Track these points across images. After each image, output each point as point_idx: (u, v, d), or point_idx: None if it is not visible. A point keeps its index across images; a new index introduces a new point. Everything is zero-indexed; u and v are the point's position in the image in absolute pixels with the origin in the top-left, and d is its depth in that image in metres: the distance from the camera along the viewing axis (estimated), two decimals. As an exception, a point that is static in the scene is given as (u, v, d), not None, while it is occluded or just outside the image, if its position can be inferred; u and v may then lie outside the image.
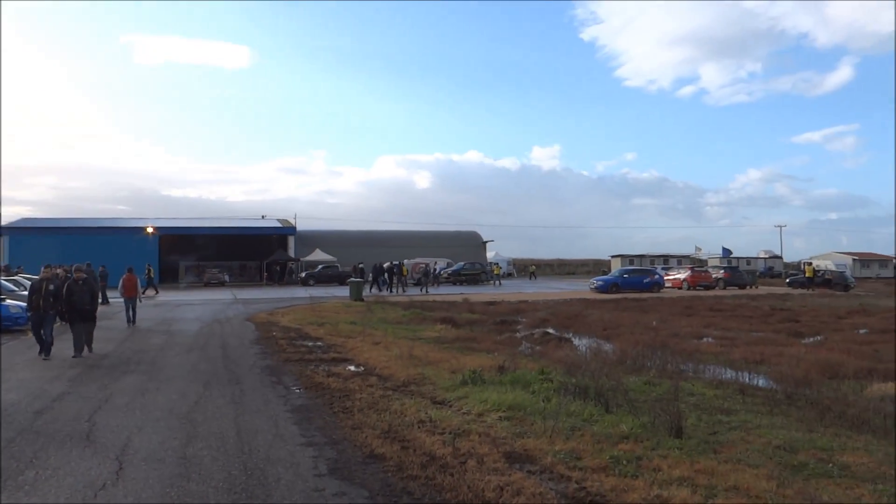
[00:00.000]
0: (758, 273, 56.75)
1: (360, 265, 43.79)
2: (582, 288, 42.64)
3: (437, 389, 9.19)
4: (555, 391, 8.63)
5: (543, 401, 8.04)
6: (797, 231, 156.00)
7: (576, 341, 16.59)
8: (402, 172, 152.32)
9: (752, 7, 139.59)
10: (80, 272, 13.62)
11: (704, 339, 16.74)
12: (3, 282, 22.99)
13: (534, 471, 5.61)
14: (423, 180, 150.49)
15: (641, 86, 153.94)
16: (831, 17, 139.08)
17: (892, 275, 66.75)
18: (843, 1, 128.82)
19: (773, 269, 70.15)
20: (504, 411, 7.63)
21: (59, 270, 14.66)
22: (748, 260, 69.51)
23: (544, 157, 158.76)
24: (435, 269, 45.64)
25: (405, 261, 45.25)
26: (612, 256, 69.39)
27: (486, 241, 70.64)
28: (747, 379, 11.17)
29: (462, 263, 52.37)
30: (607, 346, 15.10)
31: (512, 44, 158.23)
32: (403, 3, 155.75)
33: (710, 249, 75.94)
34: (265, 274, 56.07)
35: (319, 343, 14.90)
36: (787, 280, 48.11)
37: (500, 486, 5.14)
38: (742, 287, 43.68)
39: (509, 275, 61.71)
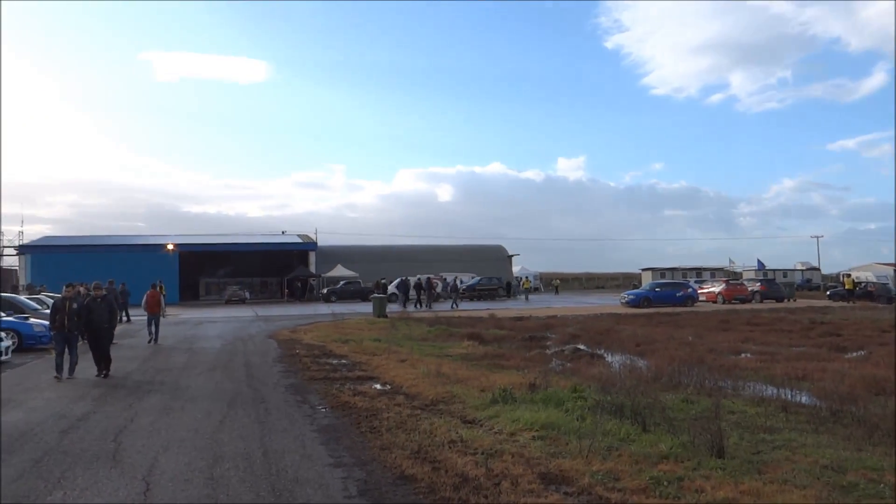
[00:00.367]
0: (795, 286, 55.95)
1: (383, 280, 44.00)
2: (612, 302, 42.33)
3: (467, 408, 9.16)
4: (589, 409, 8.55)
5: (578, 419, 7.98)
6: (834, 242, 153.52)
7: (608, 358, 16.44)
8: (424, 185, 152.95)
9: (781, 12, 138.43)
10: (99, 290, 13.86)
11: (743, 355, 16.49)
12: (26, 300, 23.44)
13: (571, 492, 5.56)
14: (444, 193, 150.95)
15: (669, 94, 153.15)
16: (863, 20, 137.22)
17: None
18: (875, 1, 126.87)
19: (811, 282, 69.18)
20: (537, 430, 7.58)
21: (80, 288, 14.97)
22: (784, 272, 68.59)
23: (570, 168, 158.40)
24: (460, 284, 45.64)
25: (418, 276, 45.36)
26: (643, 269, 68.83)
27: (512, 255, 70.58)
28: (789, 396, 10.98)
29: (479, 278, 52.21)
30: (641, 363, 14.94)
31: (534, 53, 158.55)
32: (423, 14, 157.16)
33: (743, 262, 75.21)
34: (286, 290, 56.57)
35: (344, 361, 14.94)
36: (828, 293, 47.36)
37: (536, 507, 5.10)
38: (780, 300, 43.09)
39: (536, 289, 61.54)
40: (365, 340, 18.97)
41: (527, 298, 51.68)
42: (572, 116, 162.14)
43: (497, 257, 68.41)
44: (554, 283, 70.91)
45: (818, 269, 75.82)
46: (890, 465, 6.58)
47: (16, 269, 55.11)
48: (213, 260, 59.12)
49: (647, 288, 42.01)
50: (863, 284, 45.69)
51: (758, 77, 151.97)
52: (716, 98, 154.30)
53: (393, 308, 34.48)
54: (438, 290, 43.93)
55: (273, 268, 60.75)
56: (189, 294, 56.44)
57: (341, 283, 53.34)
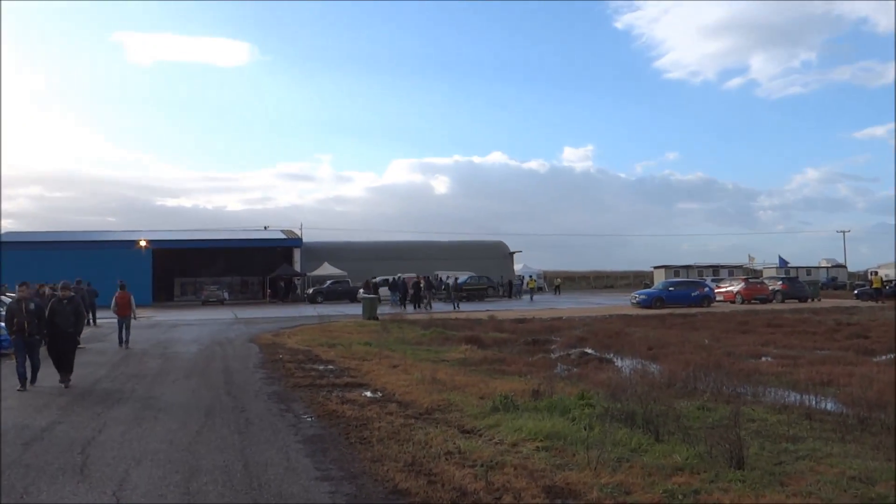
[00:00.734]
0: (820, 284, 56.16)
1: (374, 280, 43.96)
2: (622, 303, 42.45)
3: (465, 417, 9.17)
4: (597, 418, 8.54)
5: (585, 428, 7.95)
6: (862, 237, 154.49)
7: (618, 362, 16.48)
8: (418, 177, 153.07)
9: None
10: (66, 290, 13.72)
11: (763, 359, 16.56)
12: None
13: (578, 507, 5.57)
14: (441, 185, 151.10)
15: (684, 78, 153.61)
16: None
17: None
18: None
19: (836, 280, 69.44)
20: (541, 441, 7.60)
21: (45, 289, 14.92)
22: (808, 269, 68.87)
23: (576, 158, 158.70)
24: (453, 284, 45.70)
25: (409, 275, 45.40)
26: (655, 267, 69.02)
27: (514, 252, 70.65)
28: (814, 402, 11.01)
29: (466, 276, 52.08)
30: (654, 368, 14.98)
31: (538, 33, 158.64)
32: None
33: (764, 258, 75.47)
34: (268, 291, 56.56)
35: (331, 366, 14.96)
36: (855, 292, 47.53)
37: (540, 523, 5.10)
38: (803, 300, 43.25)
39: (540, 289, 61.67)
40: (354, 344, 18.98)
41: (532, 299, 51.72)
42: (579, 102, 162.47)
43: (497, 255, 68.47)
44: (555, 283, 70.72)
45: (844, 267, 76.12)
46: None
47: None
48: (189, 258, 59.07)
49: (660, 287, 42.10)
50: (892, 283, 45.84)
51: (780, 60, 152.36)
52: (735, 82, 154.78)
53: (385, 310, 34.49)
54: (452, 288, 44.05)
55: (254, 266, 60.70)
56: (163, 294, 56.40)
57: (328, 282, 53.33)
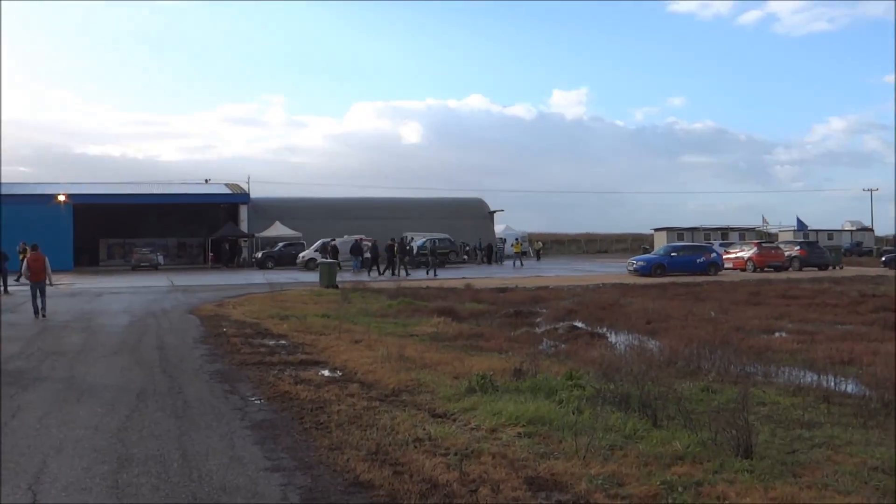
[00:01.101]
0: (843, 250, 56.92)
1: (333, 241, 43.84)
2: (617, 270, 42.78)
3: (437, 399, 9.22)
4: (588, 400, 8.66)
5: (573, 412, 8.07)
6: (892, 196, 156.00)
7: (612, 338, 16.64)
8: (386, 123, 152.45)
9: None
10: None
11: (776, 334, 16.79)
12: None
13: (564, 500, 5.64)
14: (412, 133, 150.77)
15: (693, 11, 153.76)
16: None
17: None
18: None
19: (861, 245, 70.37)
20: (523, 426, 7.66)
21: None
22: (830, 233, 69.71)
23: (568, 102, 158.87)
24: (415, 247, 45.71)
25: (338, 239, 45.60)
26: (656, 230, 69.56)
27: (494, 211, 70.78)
28: (832, 384, 11.20)
29: (423, 239, 51.70)
30: (652, 344, 15.14)
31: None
32: None
33: (780, 220, 76.25)
34: (210, 254, 56.15)
35: (283, 342, 15.00)
36: (883, 259, 48.22)
37: (521, 519, 5.17)
38: (823, 268, 43.77)
39: (524, 253, 61.94)
40: (310, 316, 18.99)
41: (521, 264, 51.68)
42: (571, 38, 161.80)
43: (476, 214, 68.55)
44: (535, 247, 69.32)
45: (871, 230, 77.12)
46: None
47: None
48: (117, 215, 58.46)
49: (661, 252, 42.38)
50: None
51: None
52: (750, 16, 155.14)
53: (346, 277, 34.46)
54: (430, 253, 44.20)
55: (194, 226, 60.32)
56: (87, 258, 55.85)
57: (280, 245, 53.17)
